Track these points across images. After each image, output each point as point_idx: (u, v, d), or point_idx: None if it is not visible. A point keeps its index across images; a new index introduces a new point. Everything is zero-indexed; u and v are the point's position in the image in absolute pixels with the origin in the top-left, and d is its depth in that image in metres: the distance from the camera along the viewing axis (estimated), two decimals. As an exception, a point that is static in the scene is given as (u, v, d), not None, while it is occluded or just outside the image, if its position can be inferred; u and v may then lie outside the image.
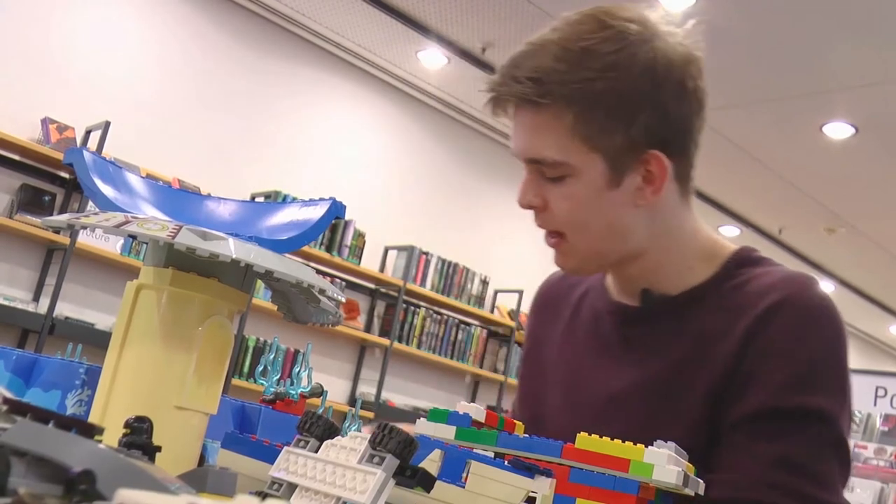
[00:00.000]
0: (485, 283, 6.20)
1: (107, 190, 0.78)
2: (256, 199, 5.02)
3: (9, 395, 0.46)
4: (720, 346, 0.98)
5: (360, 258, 5.46)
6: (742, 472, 0.93)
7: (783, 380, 0.94)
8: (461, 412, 0.75)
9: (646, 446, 0.63)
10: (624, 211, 1.01)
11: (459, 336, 6.05)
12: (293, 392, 0.94)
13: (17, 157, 4.32)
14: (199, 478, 0.54)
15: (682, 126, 1.01)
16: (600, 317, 1.13)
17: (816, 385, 0.95)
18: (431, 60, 5.52)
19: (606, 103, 0.96)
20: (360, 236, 5.46)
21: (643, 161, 0.99)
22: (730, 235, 6.91)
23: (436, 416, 0.75)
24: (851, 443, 1.04)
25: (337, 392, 5.60)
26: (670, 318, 1.04)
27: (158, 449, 0.54)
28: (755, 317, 0.97)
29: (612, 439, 0.65)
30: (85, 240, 4.32)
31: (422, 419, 0.76)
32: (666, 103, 0.98)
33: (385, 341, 5.62)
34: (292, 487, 0.59)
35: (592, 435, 0.66)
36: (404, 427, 1.07)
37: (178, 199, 0.84)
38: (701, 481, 0.69)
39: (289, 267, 0.67)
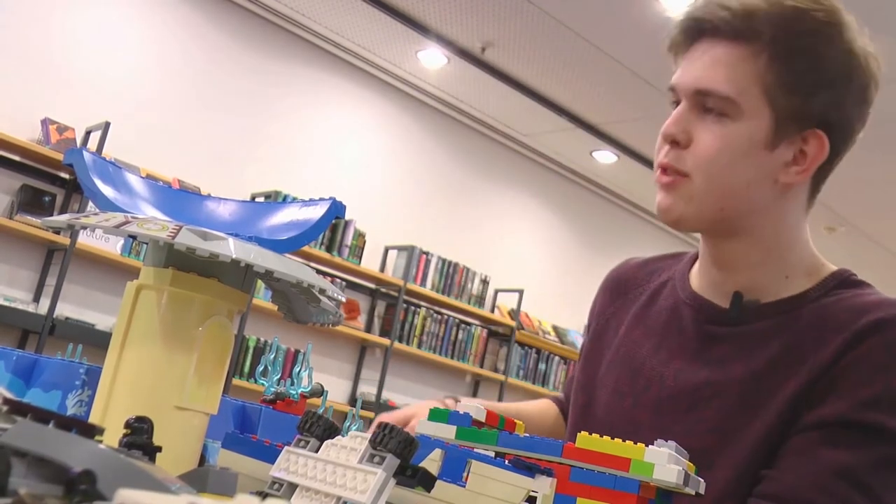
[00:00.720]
0: (485, 282, 6.20)
1: (107, 190, 0.78)
2: (256, 199, 5.02)
3: (9, 395, 0.46)
4: (811, 357, 0.97)
5: (360, 258, 5.46)
6: (803, 473, 0.92)
7: (867, 395, 0.93)
8: (461, 412, 0.75)
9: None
10: (764, 178, 0.99)
11: (460, 336, 6.05)
12: (293, 392, 0.94)
13: (17, 158, 4.33)
14: (199, 478, 0.54)
15: (849, 125, 1.01)
16: (680, 309, 1.10)
17: None
18: (431, 60, 5.52)
19: (801, 63, 0.96)
20: (360, 236, 5.46)
21: (803, 137, 0.98)
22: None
23: (436, 415, 0.75)
24: None
25: (337, 392, 5.60)
26: (759, 325, 1.02)
27: (159, 449, 0.54)
28: (853, 332, 0.95)
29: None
30: (85, 240, 4.32)
31: (422, 419, 0.76)
32: (849, 94, 0.99)
33: (385, 341, 5.62)
34: (293, 487, 0.59)
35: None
36: (397, 416, 1.06)
37: (178, 199, 0.84)
38: (702, 480, 0.68)
39: (289, 267, 0.67)
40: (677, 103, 1.02)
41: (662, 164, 1.01)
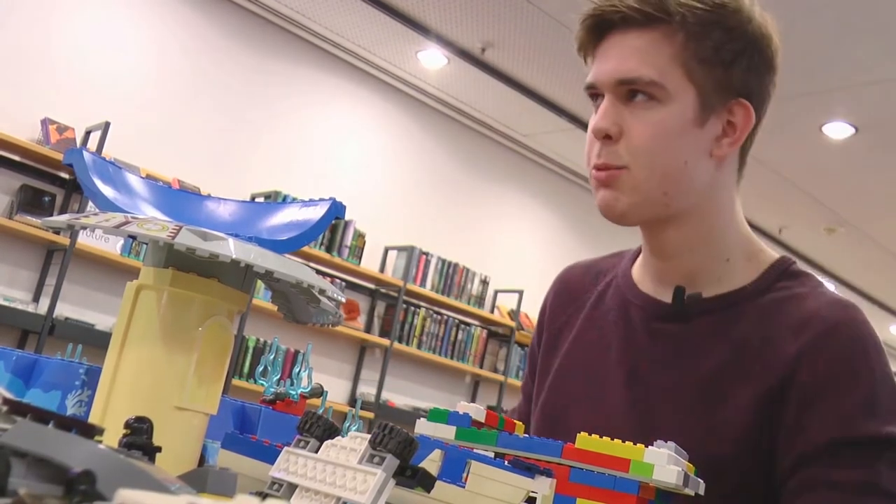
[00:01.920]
0: (485, 283, 6.20)
1: (107, 190, 0.78)
2: (256, 200, 5.02)
3: (9, 395, 0.46)
4: (765, 362, 0.96)
5: (360, 258, 5.46)
6: (827, 501, 0.91)
7: (849, 409, 0.92)
8: (461, 412, 0.75)
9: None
10: (698, 155, 0.99)
11: (459, 336, 6.05)
12: (293, 392, 0.94)
13: (16, 158, 4.32)
14: (199, 478, 0.54)
15: (765, 92, 1.02)
16: (626, 307, 1.10)
17: (883, 412, 0.93)
18: (431, 61, 5.52)
19: (716, 35, 0.97)
20: (360, 236, 5.46)
21: (729, 108, 0.99)
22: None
23: (436, 416, 0.75)
24: None
25: (337, 392, 5.60)
26: (704, 321, 1.02)
27: (158, 449, 0.54)
28: (803, 344, 0.95)
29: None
30: (85, 240, 4.32)
31: (422, 419, 0.76)
32: (762, 61, 1.00)
33: (385, 341, 5.62)
34: (292, 488, 0.59)
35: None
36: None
37: (178, 199, 0.84)
38: (701, 481, 0.69)
39: (289, 267, 0.67)
40: (597, 99, 1.01)
41: (599, 165, 0.99)
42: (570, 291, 1.21)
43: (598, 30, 1.02)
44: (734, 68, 0.98)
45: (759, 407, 0.95)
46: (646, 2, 0.97)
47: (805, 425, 0.93)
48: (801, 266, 1.06)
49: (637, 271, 1.13)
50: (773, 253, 1.08)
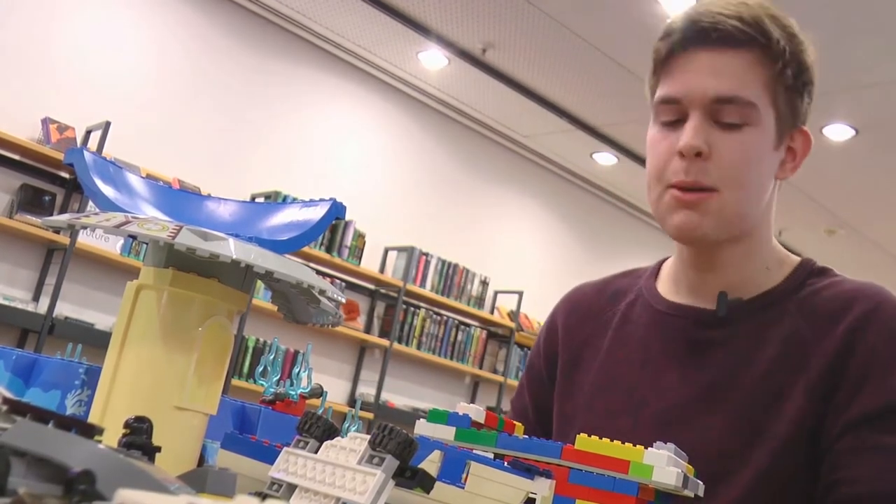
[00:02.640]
0: (485, 284, 6.20)
1: (107, 190, 0.78)
2: (256, 200, 5.02)
3: (8, 395, 0.47)
4: (813, 352, 0.98)
5: (360, 259, 5.47)
6: (876, 466, 0.92)
7: None
8: (461, 413, 0.75)
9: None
10: (771, 177, 1.03)
11: (459, 337, 6.05)
12: (293, 393, 0.94)
13: (17, 157, 4.33)
14: (198, 478, 0.54)
15: (807, 120, 1.06)
16: (660, 321, 1.10)
17: None
18: (432, 61, 5.52)
19: (796, 65, 1.00)
20: (360, 237, 5.46)
21: (791, 135, 1.03)
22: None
23: (435, 416, 0.75)
24: None
25: (336, 393, 5.60)
26: (749, 322, 1.03)
27: (158, 449, 0.54)
28: (850, 322, 0.98)
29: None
30: (85, 240, 4.32)
31: (421, 420, 0.76)
32: (813, 91, 1.04)
33: (385, 342, 5.62)
34: (292, 488, 0.59)
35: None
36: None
37: (179, 199, 0.84)
38: (700, 483, 0.69)
39: (289, 268, 0.67)
40: (670, 114, 1.01)
41: (687, 183, 0.98)
42: (585, 310, 1.20)
43: (685, 43, 1.01)
44: (804, 97, 1.02)
45: (814, 388, 0.97)
46: (747, 23, 0.98)
47: (856, 395, 0.95)
48: (821, 264, 1.10)
49: (666, 287, 1.13)
50: (796, 256, 1.11)
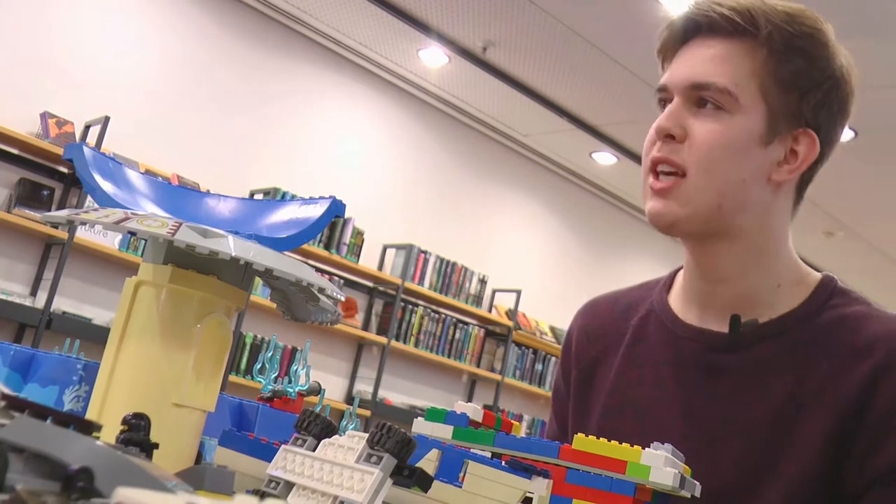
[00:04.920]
0: (483, 282, 6.20)
1: (107, 186, 0.78)
2: (255, 196, 5.02)
3: (6, 390, 0.46)
4: (831, 389, 0.95)
5: (358, 256, 5.46)
6: None
7: None
8: (458, 412, 0.75)
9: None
10: (758, 175, 0.98)
11: (457, 335, 6.05)
12: (291, 390, 0.94)
13: (15, 152, 4.32)
14: (196, 476, 0.54)
15: (833, 131, 1.02)
16: (674, 342, 1.07)
17: None
18: (432, 59, 5.52)
19: (798, 62, 0.97)
20: (358, 234, 5.46)
21: (794, 136, 0.99)
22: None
23: (433, 415, 0.75)
24: None
25: (334, 390, 5.60)
26: (763, 348, 1.00)
27: (156, 446, 0.54)
28: (879, 362, 0.94)
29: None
30: (83, 235, 4.31)
31: (419, 418, 0.76)
32: (836, 100, 1.00)
33: (383, 339, 5.62)
34: (290, 486, 0.59)
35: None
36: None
37: (178, 196, 0.84)
38: (697, 484, 0.69)
39: (288, 265, 0.67)
40: (665, 104, 1.01)
41: (657, 158, 0.99)
42: (597, 326, 1.18)
43: (682, 34, 1.02)
44: (808, 98, 0.98)
45: (832, 431, 0.94)
46: (736, 12, 0.97)
47: (881, 445, 0.92)
48: (843, 284, 1.06)
49: (677, 301, 1.11)
50: (817, 273, 1.07)
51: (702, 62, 0.98)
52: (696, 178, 0.97)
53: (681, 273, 1.14)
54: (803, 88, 0.98)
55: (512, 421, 0.84)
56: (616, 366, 1.11)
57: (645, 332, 1.11)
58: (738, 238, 1.01)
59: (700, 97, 0.98)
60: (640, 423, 1.05)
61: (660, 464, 0.62)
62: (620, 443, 0.65)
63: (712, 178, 0.97)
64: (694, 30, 1.01)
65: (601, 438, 0.61)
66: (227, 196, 0.86)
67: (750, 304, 1.02)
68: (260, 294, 4.80)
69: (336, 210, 0.79)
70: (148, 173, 0.85)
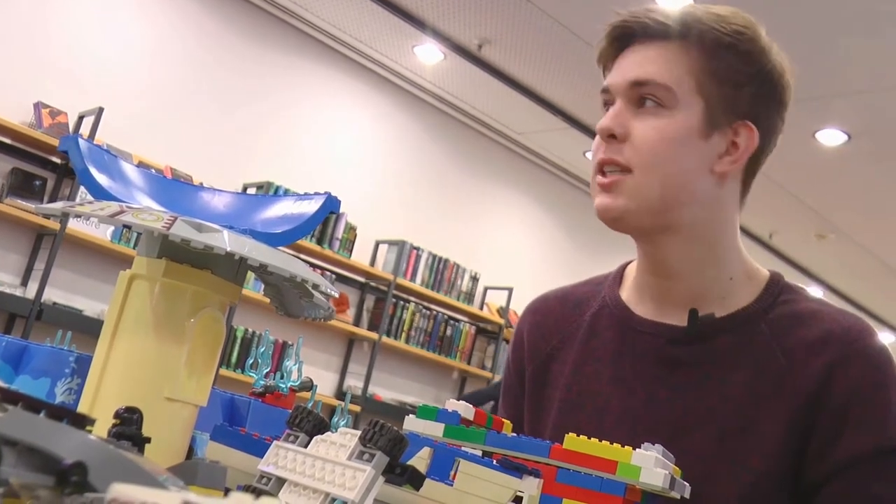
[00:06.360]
0: (475, 279, 6.20)
1: (101, 178, 0.78)
2: (249, 190, 5.02)
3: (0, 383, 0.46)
4: (790, 383, 0.98)
5: (350, 251, 5.46)
6: None
7: (884, 419, 0.95)
8: (450, 410, 0.75)
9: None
10: (700, 167, 1.01)
11: (448, 332, 6.06)
12: (283, 386, 0.94)
13: (8, 141, 4.30)
14: (189, 471, 0.54)
15: (772, 123, 1.05)
16: (628, 335, 1.08)
17: None
18: (427, 56, 5.52)
19: (730, 58, 1.01)
20: (351, 229, 5.46)
21: (734, 128, 1.02)
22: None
23: (425, 413, 0.75)
24: None
25: (324, 385, 5.60)
26: (721, 342, 1.03)
27: (148, 440, 0.54)
28: (835, 355, 0.98)
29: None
30: (75, 226, 4.30)
31: (411, 416, 0.76)
32: (773, 93, 1.03)
33: (374, 335, 5.62)
34: (281, 482, 0.59)
35: None
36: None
37: (173, 189, 0.84)
38: (687, 485, 0.69)
39: (283, 261, 0.67)
40: (609, 107, 1.04)
41: (603, 160, 1.01)
42: (549, 323, 1.18)
43: (620, 41, 1.06)
44: (743, 91, 1.01)
45: (793, 421, 0.97)
46: (668, 16, 1.02)
47: (840, 435, 0.95)
48: (787, 280, 1.09)
49: (630, 296, 1.12)
50: (763, 269, 1.10)
51: (640, 63, 1.02)
52: (641, 173, 1.00)
53: (630, 268, 1.16)
54: (738, 82, 1.01)
55: (503, 420, 0.84)
56: (571, 361, 1.12)
57: (599, 327, 1.12)
58: (687, 231, 1.03)
59: (640, 96, 1.01)
60: (599, 418, 1.06)
61: (650, 464, 0.62)
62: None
63: (656, 172, 0.99)
64: (630, 36, 1.05)
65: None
66: (221, 190, 0.86)
67: (704, 298, 1.05)
68: (252, 288, 4.80)
69: (331, 206, 0.79)
70: (141, 165, 0.85)
